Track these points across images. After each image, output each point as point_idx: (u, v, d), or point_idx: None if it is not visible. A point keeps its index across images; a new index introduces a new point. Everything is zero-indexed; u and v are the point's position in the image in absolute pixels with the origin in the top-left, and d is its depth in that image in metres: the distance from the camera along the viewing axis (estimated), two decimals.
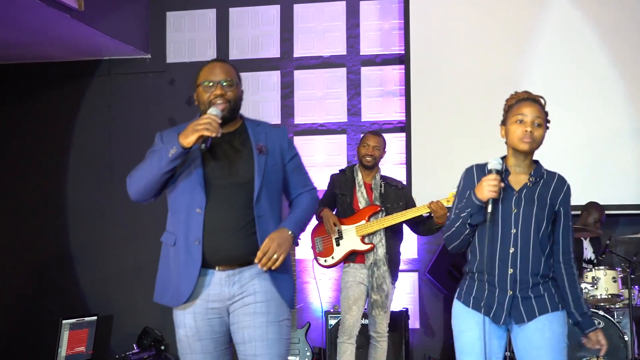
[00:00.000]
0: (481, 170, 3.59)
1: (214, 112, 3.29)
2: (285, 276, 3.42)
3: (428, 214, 5.67)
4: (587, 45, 7.15)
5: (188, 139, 3.21)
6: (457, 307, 3.56)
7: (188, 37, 8.11)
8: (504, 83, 7.08)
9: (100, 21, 7.20)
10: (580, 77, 7.15)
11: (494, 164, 3.45)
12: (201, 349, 3.37)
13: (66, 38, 7.44)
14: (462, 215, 3.43)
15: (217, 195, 3.31)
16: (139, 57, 8.15)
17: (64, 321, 6.98)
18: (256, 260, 3.24)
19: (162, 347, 7.50)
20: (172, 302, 3.38)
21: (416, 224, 5.81)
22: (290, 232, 3.35)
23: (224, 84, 3.39)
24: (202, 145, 3.22)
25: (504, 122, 3.64)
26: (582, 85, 7.14)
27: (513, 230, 3.44)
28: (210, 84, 3.39)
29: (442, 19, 7.43)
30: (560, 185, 3.57)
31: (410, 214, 5.65)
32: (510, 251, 3.43)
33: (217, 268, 3.31)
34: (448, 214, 3.57)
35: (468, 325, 3.49)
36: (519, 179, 3.53)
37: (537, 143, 3.51)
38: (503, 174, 3.50)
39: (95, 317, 7.34)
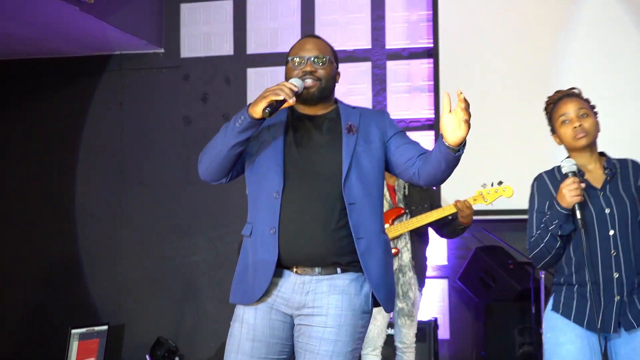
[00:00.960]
0: (551, 175, 3.59)
1: (294, 80, 3.14)
2: (378, 279, 3.17)
3: (453, 215, 5.66)
4: (628, 36, 7.08)
5: (257, 107, 3.03)
6: (555, 319, 3.53)
7: (203, 31, 8.12)
8: (538, 77, 7.04)
9: (110, 14, 7.22)
10: (620, 71, 7.09)
11: (568, 166, 3.42)
12: (250, 351, 3.14)
13: (75, 32, 7.47)
14: (550, 228, 3.41)
15: (298, 179, 3.13)
16: (152, 51, 8.17)
17: (73, 331, 6.99)
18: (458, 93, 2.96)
19: (177, 358, 7.51)
20: (244, 299, 3.17)
21: (441, 226, 5.78)
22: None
23: (315, 60, 3.24)
24: (266, 110, 3.03)
25: (553, 131, 3.66)
26: (624, 80, 7.08)
27: (611, 232, 3.42)
28: (299, 60, 3.25)
29: (473, 10, 7.40)
30: (636, 169, 3.57)
31: (435, 215, 5.62)
32: (612, 254, 3.41)
33: (294, 270, 3.12)
34: (534, 231, 3.54)
35: (568, 337, 3.46)
36: (596, 176, 3.53)
37: (592, 133, 3.53)
38: (579, 174, 3.48)
39: (106, 327, 7.34)
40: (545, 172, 3.62)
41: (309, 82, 3.20)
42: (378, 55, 7.73)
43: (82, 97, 8.28)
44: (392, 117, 7.41)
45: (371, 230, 3.17)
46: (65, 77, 8.32)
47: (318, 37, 3.38)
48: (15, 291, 8.18)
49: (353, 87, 7.72)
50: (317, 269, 3.13)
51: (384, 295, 3.19)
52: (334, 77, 3.29)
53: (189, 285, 7.85)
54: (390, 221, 5.65)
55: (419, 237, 5.72)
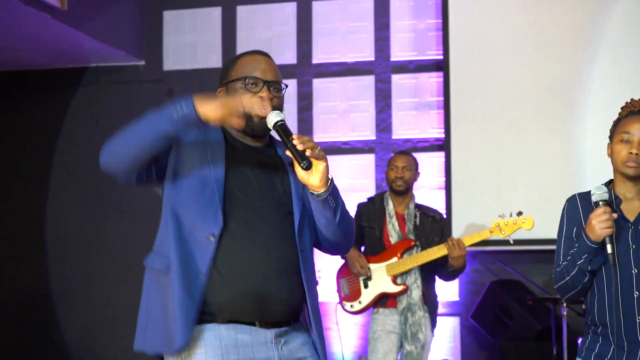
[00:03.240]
0: (585, 199, 3.53)
1: (277, 117, 2.97)
2: (321, 345, 3.10)
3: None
4: None
5: (209, 114, 2.80)
6: None
7: (189, 41, 8.09)
8: (560, 92, 7.01)
9: (86, 22, 7.20)
10: None
11: (599, 194, 3.38)
12: None
13: (47, 42, 7.44)
14: (578, 262, 3.36)
15: (241, 220, 2.94)
16: (132, 63, 8.14)
17: None
18: (295, 139, 2.83)
19: None
20: (162, 347, 2.93)
21: (436, 266, 5.72)
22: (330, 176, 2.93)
23: (272, 87, 3.06)
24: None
25: (610, 139, 3.58)
26: None
27: (634, 271, 3.37)
28: (254, 82, 3.04)
29: (487, 18, 7.37)
30: None
31: (436, 252, 5.55)
32: (635, 295, 3.36)
33: (256, 324, 2.94)
34: (561, 259, 3.50)
35: None
36: (632, 207, 3.48)
37: None
38: (613, 203, 3.42)
39: None
40: (580, 193, 3.58)
41: (274, 116, 3.00)
42: (382, 68, 7.70)
43: (55, 114, 8.24)
44: (398, 136, 7.51)
45: (314, 282, 3.12)
46: (36, 91, 8.29)
47: (269, 56, 3.17)
48: None
49: (354, 104, 7.69)
50: (279, 322, 3.02)
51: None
52: (282, 108, 3.12)
53: None
54: (399, 254, 5.60)
55: (429, 273, 5.68)
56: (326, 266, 6.52)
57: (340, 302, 5.87)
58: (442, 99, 7.44)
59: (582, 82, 7.10)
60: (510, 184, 7.01)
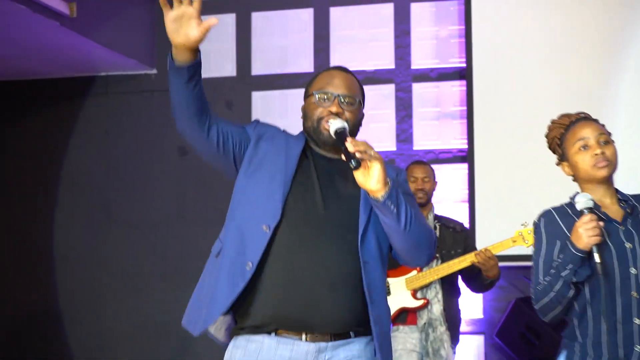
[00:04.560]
0: (562, 212, 3.55)
1: (339, 124, 3.12)
2: (388, 356, 3.17)
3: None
4: None
5: (180, 51, 3.17)
6: None
7: (202, 48, 7.98)
8: (588, 102, 6.99)
9: (95, 30, 7.22)
10: None
11: (584, 202, 3.39)
12: None
13: (55, 50, 7.47)
14: (563, 274, 3.35)
15: (294, 227, 3.10)
16: (143, 72, 8.17)
17: None
18: (349, 142, 2.92)
19: None
20: (193, 326, 3.20)
21: (468, 279, 5.74)
22: (389, 180, 2.98)
23: (344, 100, 3.21)
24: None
25: (562, 158, 3.67)
26: None
27: (633, 271, 3.38)
28: (326, 96, 3.22)
29: (511, 24, 7.36)
30: None
31: (457, 264, 5.57)
32: (633, 296, 3.36)
33: (303, 337, 3.05)
34: (540, 277, 3.48)
35: None
36: (613, 211, 3.50)
37: (614, 163, 3.53)
38: (595, 211, 3.44)
39: None
40: (554, 207, 3.60)
41: (336, 124, 3.14)
42: (403, 77, 7.71)
43: (63, 125, 8.27)
44: (419, 147, 7.52)
45: (381, 294, 3.19)
46: (44, 101, 8.32)
47: (346, 71, 3.35)
48: None
49: (374, 113, 7.67)
50: (330, 335, 3.09)
51: None
52: (360, 121, 3.29)
53: (184, 342, 7.78)
54: (418, 267, 5.61)
55: (450, 286, 5.68)
56: None
57: None
58: (465, 108, 7.45)
59: (609, 91, 7.10)
60: (536, 196, 6.97)
